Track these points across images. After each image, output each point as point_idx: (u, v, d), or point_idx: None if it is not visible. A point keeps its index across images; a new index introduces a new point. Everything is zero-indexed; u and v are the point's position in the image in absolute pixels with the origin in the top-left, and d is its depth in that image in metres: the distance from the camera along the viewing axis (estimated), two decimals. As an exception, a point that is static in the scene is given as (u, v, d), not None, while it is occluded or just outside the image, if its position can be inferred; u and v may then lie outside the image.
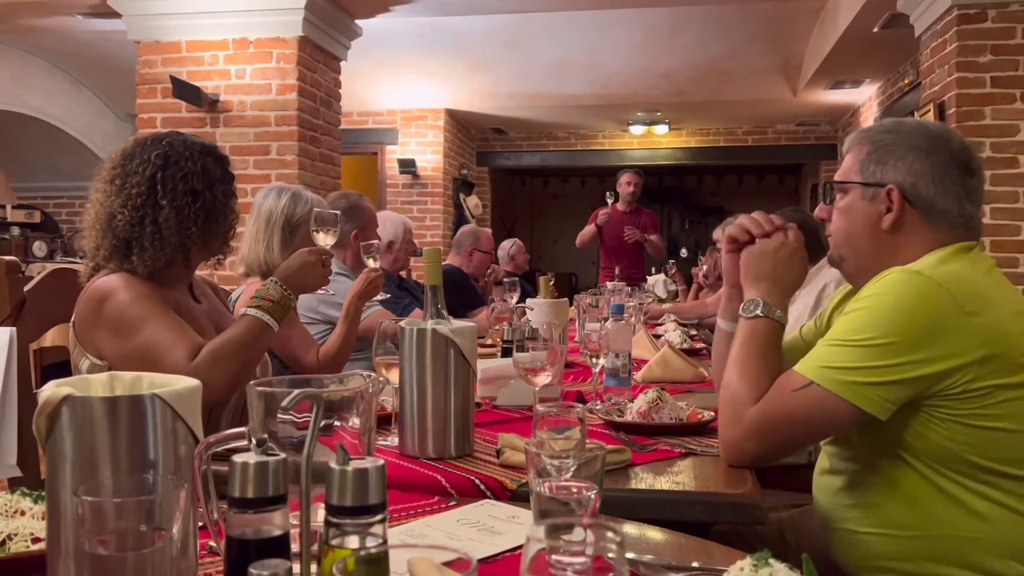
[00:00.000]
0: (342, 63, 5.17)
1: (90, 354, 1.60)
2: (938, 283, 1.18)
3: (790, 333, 1.51)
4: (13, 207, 7.44)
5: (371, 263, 2.22)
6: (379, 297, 2.28)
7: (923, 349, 1.16)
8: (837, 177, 1.40)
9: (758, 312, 1.34)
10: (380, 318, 1.78)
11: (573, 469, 0.85)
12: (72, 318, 1.64)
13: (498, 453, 1.31)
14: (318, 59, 4.85)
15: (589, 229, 6.08)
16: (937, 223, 1.29)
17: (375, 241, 2.35)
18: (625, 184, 5.94)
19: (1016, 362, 1.18)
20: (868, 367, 1.17)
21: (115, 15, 4.69)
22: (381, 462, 0.63)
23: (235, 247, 1.87)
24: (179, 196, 1.63)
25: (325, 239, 1.87)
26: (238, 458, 0.64)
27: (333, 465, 0.61)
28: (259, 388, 0.74)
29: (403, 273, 3.81)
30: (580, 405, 1.13)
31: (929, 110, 4.32)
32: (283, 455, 0.65)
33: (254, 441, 0.66)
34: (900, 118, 1.39)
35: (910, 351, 1.16)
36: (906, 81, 6.13)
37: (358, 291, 2.15)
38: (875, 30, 5.26)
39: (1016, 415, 1.17)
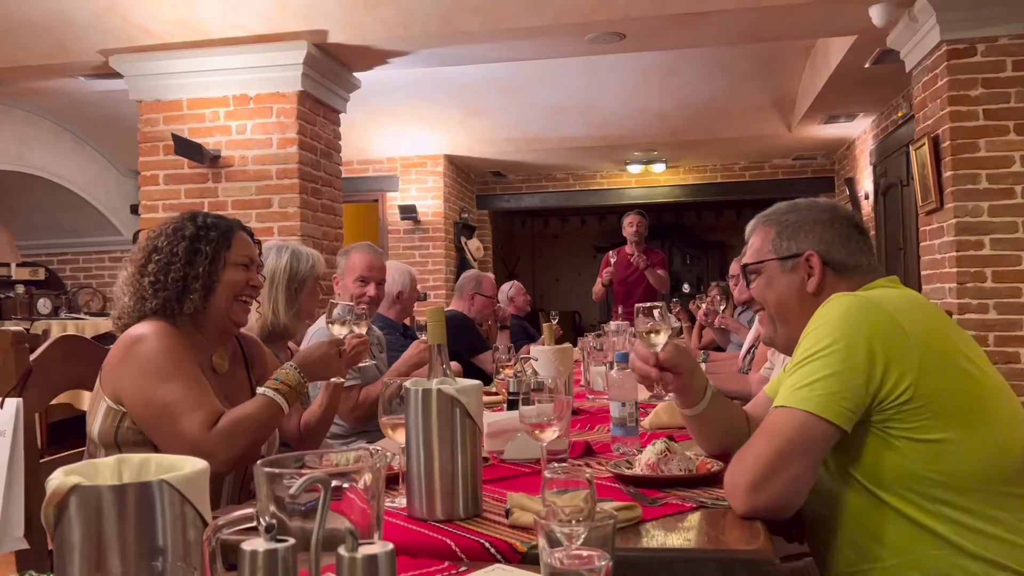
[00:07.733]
0: (341, 114, 5.24)
1: (107, 396, 1.64)
2: (871, 300, 1.32)
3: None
4: (18, 265, 7.48)
5: (356, 328, 2.19)
6: (363, 363, 2.24)
7: (867, 352, 1.25)
8: (749, 260, 1.53)
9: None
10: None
11: (583, 536, 0.84)
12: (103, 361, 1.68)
13: (507, 513, 1.30)
14: (318, 112, 4.91)
15: (599, 290, 6.12)
16: (852, 275, 1.46)
17: (363, 307, 2.33)
18: (627, 225, 5.99)
19: (955, 365, 1.28)
20: (823, 377, 1.25)
21: (117, 76, 4.76)
22: (390, 547, 0.62)
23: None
24: (175, 244, 1.74)
25: (340, 331, 1.89)
26: (247, 546, 0.64)
27: (342, 552, 0.61)
28: (267, 469, 0.74)
29: (407, 321, 3.81)
30: (588, 469, 1.12)
31: (924, 143, 4.34)
32: (292, 541, 0.65)
33: (263, 526, 0.66)
34: (792, 200, 1.57)
35: (856, 354, 1.24)
36: (899, 114, 6.19)
37: None
38: (866, 66, 5.32)
39: (958, 426, 1.25)
